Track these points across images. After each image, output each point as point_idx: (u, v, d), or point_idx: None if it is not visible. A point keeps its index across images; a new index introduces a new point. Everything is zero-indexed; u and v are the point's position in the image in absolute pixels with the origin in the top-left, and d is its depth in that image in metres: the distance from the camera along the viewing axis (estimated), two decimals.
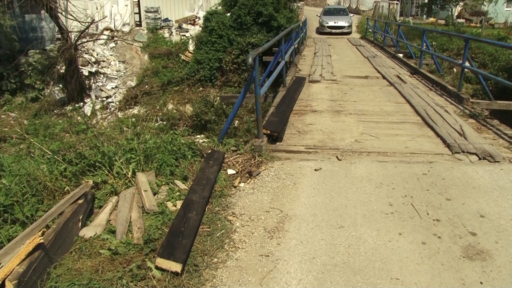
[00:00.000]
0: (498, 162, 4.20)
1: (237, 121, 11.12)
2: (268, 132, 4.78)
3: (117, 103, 14.62)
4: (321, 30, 21.62)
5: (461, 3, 25.69)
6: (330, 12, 23.23)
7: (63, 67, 13.31)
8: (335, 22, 21.21)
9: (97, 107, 14.31)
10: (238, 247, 2.77)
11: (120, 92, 15.08)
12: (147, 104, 14.33)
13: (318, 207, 3.30)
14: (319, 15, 23.54)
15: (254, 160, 4.23)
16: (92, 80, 14.88)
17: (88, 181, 3.34)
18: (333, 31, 21.13)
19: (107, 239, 2.80)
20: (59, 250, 2.60)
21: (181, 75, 15.23)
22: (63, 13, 13.23)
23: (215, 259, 2.64)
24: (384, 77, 9.24)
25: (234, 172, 4.02)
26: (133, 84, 15.43)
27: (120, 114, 13.93)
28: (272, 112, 5.69)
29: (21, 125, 11.69)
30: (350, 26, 21.57)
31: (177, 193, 3.48)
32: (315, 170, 4.04)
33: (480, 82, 9.15)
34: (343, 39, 19.50)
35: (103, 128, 7.67)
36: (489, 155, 4.34)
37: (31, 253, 2.31)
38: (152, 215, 3.13)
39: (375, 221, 3.07)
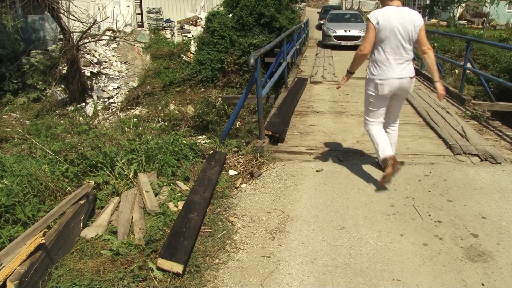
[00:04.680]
0: (499, 163, 4.19)
1: (238, 122, 11.13)
2: (270, 133, 4.78)
3: (119, 103, 14.65)
4: (326, 42, 15.69)
5: (463, 5, 25.66)
6: (337, 18, 17.21)
7: (65, 68, 13.36)
8: (345, 31, 15.34)
9: (99, 107, 14.34)
10: (240, 248, 2.77)
11: (122, 93, 15.11)
12: (149, 104, 14.36)
13: (319, 208, 3.30)
14: (322, 22, 18.95)
15: (255, 161, 4.23)
16: (94, 81, 14.91)
17: (89, 182, 3.34)
18: (343, 42, 15.18)
19: (108, 239, 2.80)
20: (61, 250, 2.60)
21: (182, 76, 15.26)
22: (65, 13, 13.29)
23: (217, 260, 2.64)
24: None
25: (235, 173, 4.02)
26: (135, 84, 15.46)
27: (121, 115, 13.95)
28: (274, 113, 5.69)
29: (22, 125, 11.73)
30: None
31: (179, 194, 3.48)
32: (316, 171, 4.03)
33: (482, 84, 9.14)
34: None
35: (104, 128, 7.68)
36: (491, 156, 4.33)
37: (33, 253, 2.31)
38: (153, 215, 3.14)
39: (377, 222, 3.07)
